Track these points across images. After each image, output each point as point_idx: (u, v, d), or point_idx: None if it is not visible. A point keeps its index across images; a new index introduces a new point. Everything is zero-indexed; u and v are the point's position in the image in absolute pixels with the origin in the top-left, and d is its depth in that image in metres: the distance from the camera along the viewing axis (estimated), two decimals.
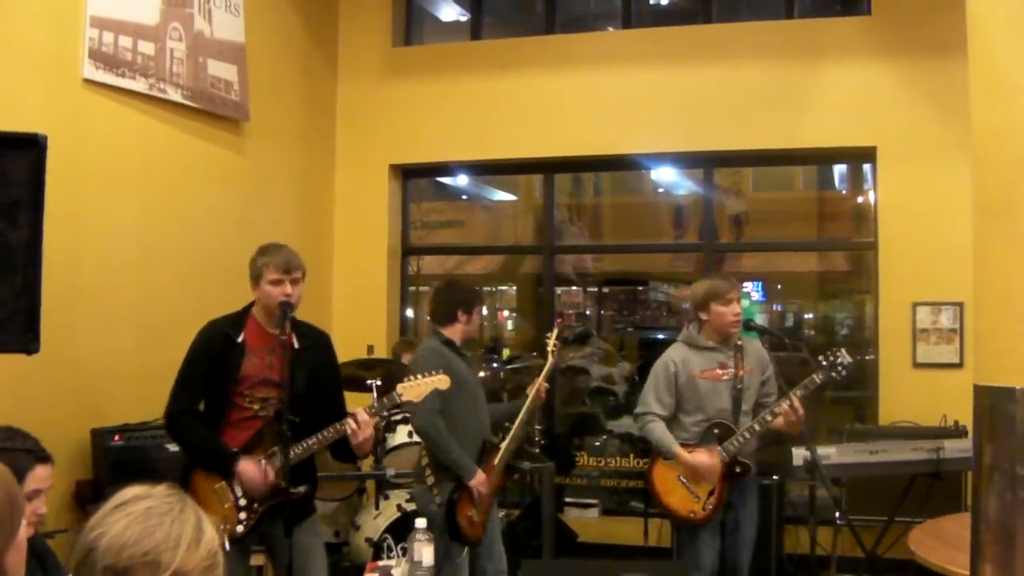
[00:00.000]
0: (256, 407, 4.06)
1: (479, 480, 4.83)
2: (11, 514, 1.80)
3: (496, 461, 4.98)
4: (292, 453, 3.94)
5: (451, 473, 4.85)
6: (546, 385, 5.13)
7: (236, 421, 4.05)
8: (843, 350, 4.91)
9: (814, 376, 4.84)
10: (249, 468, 3.96)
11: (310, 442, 3.99)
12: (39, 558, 2.98)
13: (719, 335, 4.95)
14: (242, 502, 4.00)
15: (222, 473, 4.00)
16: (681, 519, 4.93)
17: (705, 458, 4.80)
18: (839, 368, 4.85)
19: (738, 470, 4.85)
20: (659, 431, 4.88)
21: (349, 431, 3.99)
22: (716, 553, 4.91)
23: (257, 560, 4.56)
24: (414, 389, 4.17)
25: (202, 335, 4.15)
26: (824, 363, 4.87)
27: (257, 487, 3.97)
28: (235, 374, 4.03)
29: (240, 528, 3.98)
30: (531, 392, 5.10)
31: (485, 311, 5.12)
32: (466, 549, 4.92)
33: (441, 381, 4.24)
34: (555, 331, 5.38)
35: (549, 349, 5.28)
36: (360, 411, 4.03)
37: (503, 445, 5.04)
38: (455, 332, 5.04)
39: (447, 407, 4.81)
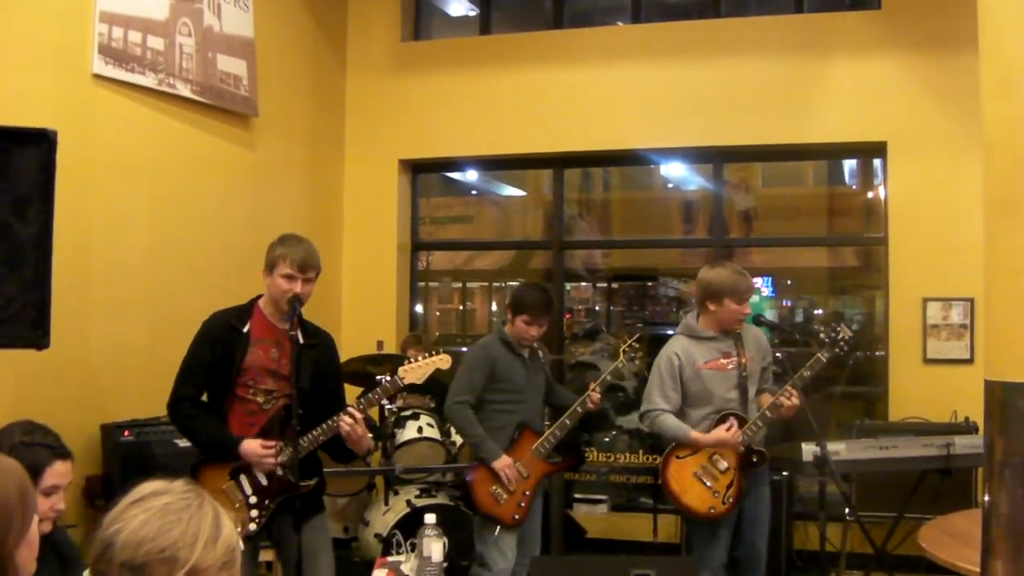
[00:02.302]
0: (261, 400, 4.05)
1: (503, 463, 4.91)
2: (23, 510, 1.80)
3: (535, 447, 5.02)
4: (300, 446, 3.95)
5: None
6: (597, 396, 5.05)
7: (241, 415, 4.05)
8: (842, 324, 4.89)
9: (819, 355, 4.82)
10: (252, 446, 3.95)
11: (315, 433, 3.99)
12: (59, 552, 2.99)
13: (720, 328, 4.91)
14: (252, 500, 4.00)
15: (227, 459, 3.99)
16: (702, 517, 4.83)
17: (724, 432, 4.74)
18: (841, 344, 4.84)
19: (755, 459, 4.82)
20: (670, 422, 4.81)
21: (345, 429, 3.99)
22: (727, 549, 4.89)
23: (266, 556, 4.58)
24: (415, 371, 4.16)
25: (206, 325, 4.14)
26: (827, 340, 4.86)
27: (264, 465, 3.97)
28: (238, 364, 4.02)
29: (252, 526, 3.99)
30: (591, 391, 5.06)
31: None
32: (498, 529, 4.94)
33: (442, 360, 4.24)
34: (636, 335, 5.26)
35: (622, 348, 5.18)
36: (351, 408, 4.04)
37: (545, 432, 5.07)
38: (513, 331, 5.11)
39: (488, 399, 5.03)
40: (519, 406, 5.06)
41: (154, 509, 1.63)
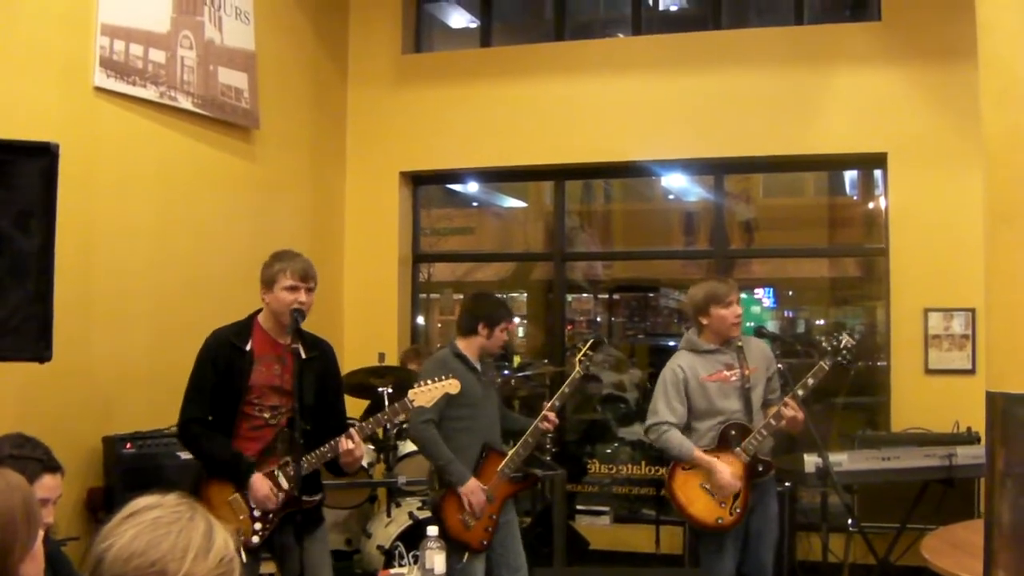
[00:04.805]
0: (267, 415, 4.06)
1: (469, 488, 4.82)
2: (28, 524, 1.81)
3: (500, 468, 4.96)
4: (305, 462, 3.96)
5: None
6: (554, 415, 5.00)
7: (248, 430, 4.06)
8: (844, 333, 4.88)
9: (822, 363, 4.81)
10: (261, 485, 3.97)
11: (323, 449, 4.01)
12: (52, 564, 2.98)
13: (719, 338, 4.90)
14: (257, 512, 4.01)
15: (236, 483, 4.00)
16: (708, 528, 4.79)
17: (727, 471, 4.71)
18: (844, 352, 4.83)
19: (760, 469, 4.81)
20: (676, 438, 4.79)
21: (344, 447, 4.00)
22: (736, 561, 4.87)
23: (267, 567, 4.57)
24: (425, 394, 4.20)
25: (208, 345, 4.15)
26: (829, 348, 4.85)
27: (265, 506, 3.99)
28: (244, 383, 4.03)
29: (256, 539, 4.00)
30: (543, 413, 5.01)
31: (512, 327, 5.02)
32: (467, 555, 4.90)
33: (451, 385, 4.29)
34: (589, 342, 5.20)
35: (578, 358, 5.13)
36: (352, 431, 4.05)
37: (509, 452, 5.01)
38: (472, 345, 5.03)
39: (448, 416, 4.85)
40: (477, 421, 4.97)
41: (144, 523, 1.63)
